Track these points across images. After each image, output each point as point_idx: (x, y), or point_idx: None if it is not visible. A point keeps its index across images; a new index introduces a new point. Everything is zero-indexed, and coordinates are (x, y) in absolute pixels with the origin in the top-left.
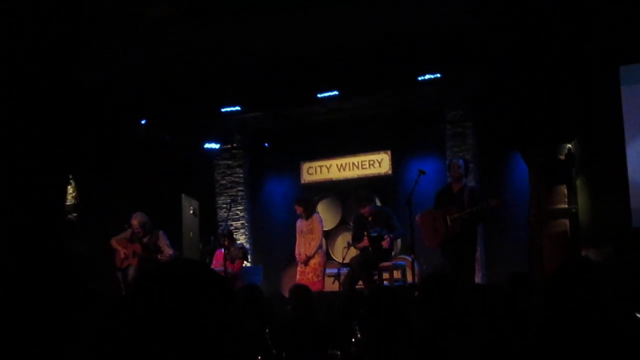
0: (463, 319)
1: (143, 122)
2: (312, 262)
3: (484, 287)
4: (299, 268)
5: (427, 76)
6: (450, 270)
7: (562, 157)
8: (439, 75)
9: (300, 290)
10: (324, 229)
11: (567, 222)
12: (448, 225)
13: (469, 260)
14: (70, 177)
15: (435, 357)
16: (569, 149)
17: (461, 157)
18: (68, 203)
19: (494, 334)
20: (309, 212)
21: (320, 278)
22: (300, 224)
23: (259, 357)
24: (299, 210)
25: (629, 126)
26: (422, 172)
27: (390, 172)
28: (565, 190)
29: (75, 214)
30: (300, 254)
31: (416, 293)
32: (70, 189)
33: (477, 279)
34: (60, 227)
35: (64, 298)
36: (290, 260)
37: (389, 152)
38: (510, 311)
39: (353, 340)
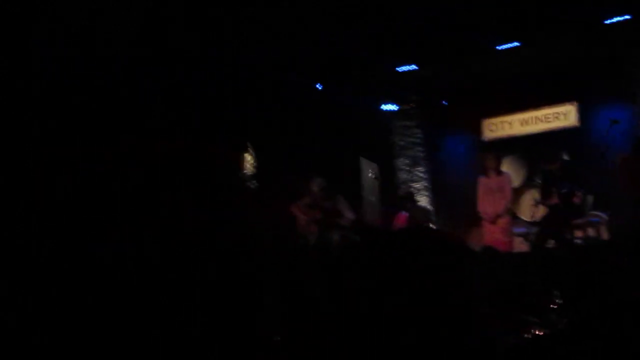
0: None
1: (319, 86)
2: (500, 221)
3: None
4: (485, 227)
5: (615, 19)
6: None
7: None
8: (628, 17)
9: (491, 251)
10: None
11: None
12: None
13: None
14: (249, 146)
15: None
16: None
17: None
18: (247, 172)
19: None
20: (499, 168)
21: (509, 238)
22: (487, 181)
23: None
24: (492, 164)
25: None
26: (614, 122)
27: (577, 124)
28: None
29: (255, 182)
30: (487, 213)
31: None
32: (249, 158)
33: None
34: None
35: None
36: (473, 220)
37: (575, 104)
38: None
39: (552, 306)
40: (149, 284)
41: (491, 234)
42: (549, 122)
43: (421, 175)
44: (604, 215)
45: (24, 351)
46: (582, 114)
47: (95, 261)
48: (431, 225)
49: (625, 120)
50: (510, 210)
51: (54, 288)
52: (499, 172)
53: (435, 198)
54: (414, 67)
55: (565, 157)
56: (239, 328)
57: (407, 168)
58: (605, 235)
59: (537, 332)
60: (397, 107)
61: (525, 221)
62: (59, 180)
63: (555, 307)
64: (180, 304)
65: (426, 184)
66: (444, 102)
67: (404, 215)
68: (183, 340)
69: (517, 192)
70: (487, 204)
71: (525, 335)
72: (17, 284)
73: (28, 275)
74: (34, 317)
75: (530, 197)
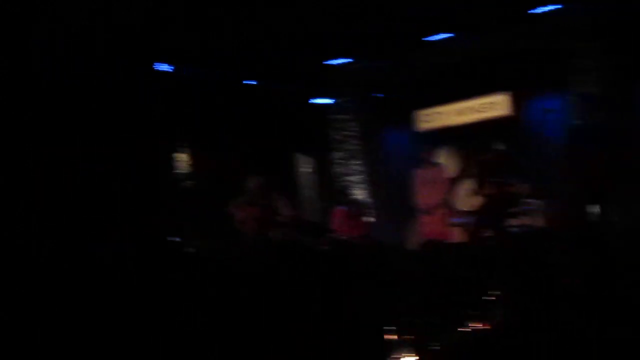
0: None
1: (253, 82)
2: (438, 212)
3: None
4: (422, 219)
5: (548, 7)
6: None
7: None
8: (559, 6)
9: (430, 245)
10: None
11: None
12: (586, 164)
13: (607, 200)
14: (185, 145)
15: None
16: None
17: (586, 91)
18: (184, 171)
19: None
20: (435, 160)
21: (446, 229)
22: (423, 172)
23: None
24: (426, 157)
25: None
26: (549, 111)
27: (511, 113)
28: None
29: (191, 182)
30: (424, 204)
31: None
32: (185, 157)
33: None
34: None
35: None
36: (411, 211)
37: (509, 93)
38: None
39: (491, 298)
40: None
41: (429, 226)
42: (483, 112)
43: (358, 168)
44: (539, 203)
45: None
46: (516, 103)
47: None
48: (369, 219)
49: (560, 109)
50: (447, 201)
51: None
52: (435, 163)
53: (372, 191)
54: (348, 60)
55: (501, 147)
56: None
57: (344, 162)
58: (540, 222)
59: (476, 326)
60: (332, 101)
61: (463, 211)
62: None
63: (494, 298)
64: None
65: (363, 177)
66: (378, 94)
67: (341, 209)
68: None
69: (454, 183)
70: (424, 195)
71: (465, 329)
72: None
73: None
74: (34, 316)
75: (466, 188)
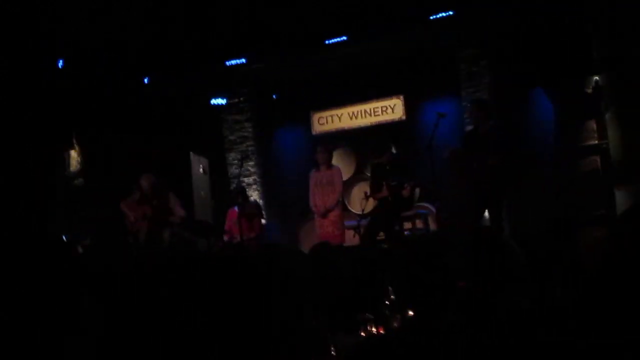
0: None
1: (146, 80)
2: (331, 214)
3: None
4: (317, 221)
5: (440, 14)
6: (475, 215)
7: (589, 91)
8: (451, 12)
9: (323, 248)
10: None
11: (597, 159)
12: (477, 169)
13: (497, 205)
14: (74, 141)
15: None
16: (597, 82)
17: (477, 97)
18: (73, 169)
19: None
20: (330, 162)
21: (340, 231)
22: (318, 174)
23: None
24: (322, 158)
25: None
26: (441, 115)
27: (404, 117)
28: (595, 125)
29: (81, 179)
30: (318, 206)
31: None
32: (74, 154)
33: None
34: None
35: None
36: (305, 214)
37: (402, 97)
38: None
39: (386, 302)
40: None
41: (323, 228)
42: (377, 115)
43: (252, 169)
44: (432, 207)
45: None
46: (409, 107)
47: None
48: (263, 221)
49: (452, 114)
50: (341, 203)
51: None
52: (329, 166)
53: (267, 192)
54: (242, 60)
55: (394, 150)
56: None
57: (238, 162)
58: (433, 226)
59: (372, 330)
60: (227, 101)
61: (356, 214)
62: None
63: (388, 302)
64: None
65: (257, 179)
66: (273, 96)
67: (234, 210)
68: None
69: (348, 185)
70: (318, 197)
71: (361, 333)
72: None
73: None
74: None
75: (360, 190)
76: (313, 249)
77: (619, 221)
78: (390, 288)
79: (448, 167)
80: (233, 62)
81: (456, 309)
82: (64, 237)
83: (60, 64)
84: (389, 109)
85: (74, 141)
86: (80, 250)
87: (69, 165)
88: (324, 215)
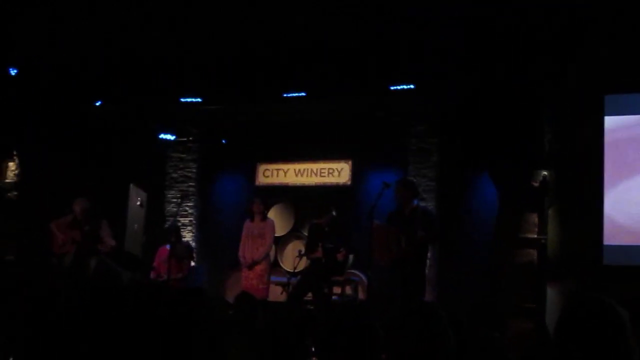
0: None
1: (98, 103)
2: (257, 267)
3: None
4: (243, 272)
5: (401, 86)
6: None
7: (536, 184)
8: (412, 86)
9: (246, 299)
10: (275, 235)
11: (534, 252)
12: (402, 246)
13: (418, 280)
14: (14, 153)
15: None
16: (544, 177)
17: (424, 174)
18: (9, 180)
19: None
20: (265, 214)
21: (265, 285)
22: (251, 226)
23: None
24: (257, 209)
25: (610, 158)
26: (386, 185)
27: (349, 182)
28: (536, 219)
29: (15, 193)
30: (245, 257)
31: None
32: (12, 165)
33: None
34: None
35: None
36: (234, 262)
37: (350, 162)
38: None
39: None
40: None
41: (247, 280)
42: (323, 176)
43: (190, 210)
44: (363, 276)
45: None
46: (355, 173)
47: None
48: (192, 263)
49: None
50: (269, 257)
51: None
52: (264, 218)
53: (200, 235)
54: (198, 99)
55: (334, 213)
56: None
57: (177, 201)
58: (362, 295)
59: None
60: (175, 138)
61: (287, 271)
62: None
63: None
64: None
65: (194, 220)
66: (223, 140)
67: (165, 248)
68: None
69: (282, 241)
70: (247, 248)
71: None
72: None
73: None
74: None
75: (294, 248)
76: (236, 298)
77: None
78: (312, 349)
79: (371, 240)
80: (188, 99)
81: None
82: None
83: (13, 72)
84: (336, 172)
85: (14, 153)
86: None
87: (5, 176)
88: (250, 267)
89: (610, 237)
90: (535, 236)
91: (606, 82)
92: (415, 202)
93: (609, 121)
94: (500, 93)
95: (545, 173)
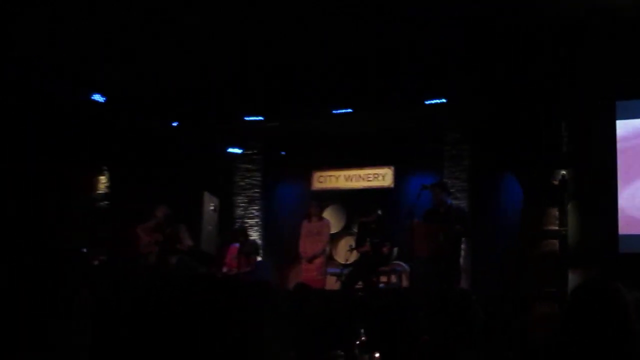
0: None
1: (175, 124)
2: (316, 261)
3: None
4: (303, 265)
5: (434, 100)
6: (437, 278)
7: (556, 182)
8: (444, 100)
9: (303, 289)
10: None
11: (556, 242)
12: (440, 240)
13: (454, 269)
14: (105, 168)
15: None
16: (563, 175)
17: (457, 176)
18: (100, 192)
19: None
20: (321, 215)
21: (322, 276)
22: (309, 225)
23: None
24: (315, 211)
25: (624, 159)
26: (425, 187)
27: (392, 185)
28: (557, 212)
29: (106, 202)
30: (306, 252)
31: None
32: (103, 179)
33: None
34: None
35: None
36: (295, 257)
37: (392, 168)
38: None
39: (357, 342)
40: None
41: (307, 272)
42: (369, 180)
43: (255, 213)
44: (405, 266)
45: None
46: (397, 177)
47: None
48: (258, 258)
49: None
50: (326, 252)
51: None
52: (320, 218)
53: (265, 235)
54: (260, 118)
55: (380, 213)
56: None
57: (244, 205)
58: (405, 282)
59: None
60: (241, 151)
61: (340, 263)
62: None
63: (359, 342)
64: None
65: (259, 221)
66: (282, 152)
67: (235, 246)
68: None
69: (336, 238)
70: (307, 245)
71: None
72: None
73: None
74: None
75: (346, 243)
76: (294, 288)
77: (571, 296)
78: (362, 330)
79: (411, 236)
80: (252, 118)
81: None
82: (84, 250)
83: (102, 100)
84: (380, 177)
85: (104, 168)
86: (95, 262)
87: (97, 188)
88: (310, 261)
89: (626, 227)
90: (557, 228)
91: (617, 88)
92: (449, 201)
93: (621, 124)
94: (522, 103)
95: (564, 172)
